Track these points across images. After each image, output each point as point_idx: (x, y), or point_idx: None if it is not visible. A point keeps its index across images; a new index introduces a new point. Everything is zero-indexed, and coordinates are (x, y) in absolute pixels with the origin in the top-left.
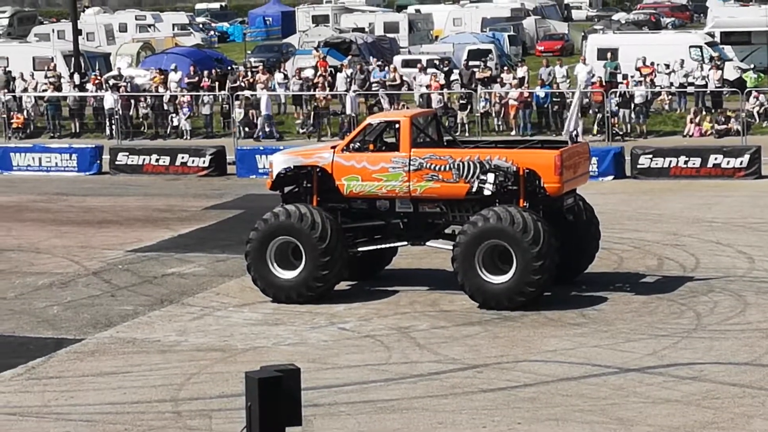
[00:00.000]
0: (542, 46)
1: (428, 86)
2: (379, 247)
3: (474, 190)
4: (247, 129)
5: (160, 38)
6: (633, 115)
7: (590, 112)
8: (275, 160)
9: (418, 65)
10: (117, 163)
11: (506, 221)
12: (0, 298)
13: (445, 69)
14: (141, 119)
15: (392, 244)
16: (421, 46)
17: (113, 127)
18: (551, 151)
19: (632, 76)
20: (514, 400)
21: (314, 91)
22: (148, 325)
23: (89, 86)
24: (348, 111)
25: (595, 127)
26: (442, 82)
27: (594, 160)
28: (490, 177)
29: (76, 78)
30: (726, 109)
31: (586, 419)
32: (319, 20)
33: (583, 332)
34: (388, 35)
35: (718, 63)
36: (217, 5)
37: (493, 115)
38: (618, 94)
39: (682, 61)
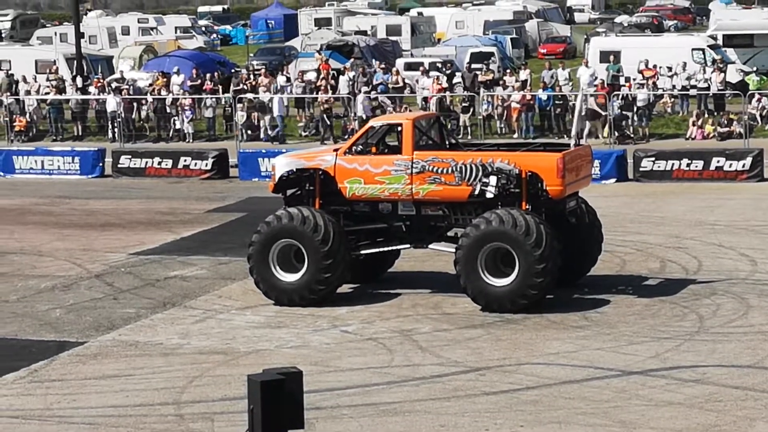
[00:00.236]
0: (545, 49)
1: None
2: (381, 249)
3: (476, 192)
4: (249, 132)
5: (162, 41)
6: (635, 118)
7: (602, 114)
8: (278, 163)
9: (421, 68)
10: (119, 166)
11: (509, 224)
12: (2, 301)
13: (448, 72)
14: (143, 122)
15: (395, 247)
16: (424, 49)
17: (116, 130)
18: (553, 154)
19: (635, 79)
20: (517, 403)
21: (317, 93)
22: (150, 328)
23: (92, 89)
24: (359, 113)
25: (606, 130)
26: (445, 85)
27: (596, 162)
28: (493, 180)
29: (79, 81)
30: (728, 112)
31: (588, 422)
32: (322, 23)
33: (585, 335)
34: (391, 38)
35: (721, 66)
36: (219, 8)
37: (496, 117)
38: (620, 97)
39: (685, 63)
